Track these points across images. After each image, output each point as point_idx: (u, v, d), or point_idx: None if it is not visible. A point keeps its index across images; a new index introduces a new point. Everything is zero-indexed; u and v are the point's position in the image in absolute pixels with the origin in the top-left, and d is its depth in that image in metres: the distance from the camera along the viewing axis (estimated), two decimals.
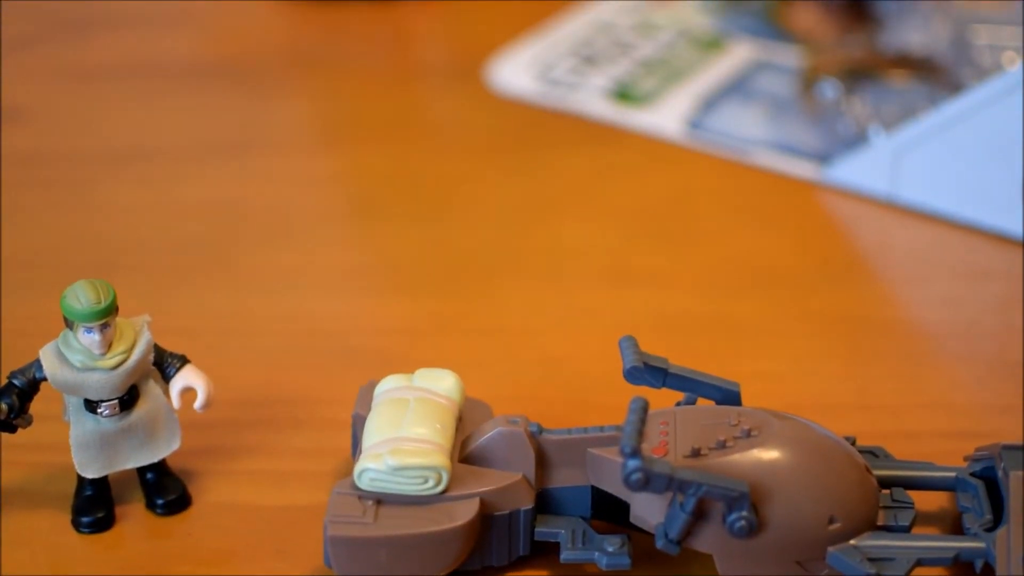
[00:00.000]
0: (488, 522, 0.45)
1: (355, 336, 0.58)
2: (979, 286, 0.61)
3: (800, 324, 0.58)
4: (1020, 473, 0.46)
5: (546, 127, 0.72)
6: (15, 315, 0.59)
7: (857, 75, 0.73)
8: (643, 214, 0.65)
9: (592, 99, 0.73)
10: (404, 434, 0.45)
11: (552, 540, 0.46)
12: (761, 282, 0.61)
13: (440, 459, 0.45)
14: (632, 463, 0.42)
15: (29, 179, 0.68)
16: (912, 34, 0.76)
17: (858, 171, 0.66)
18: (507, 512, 0.45)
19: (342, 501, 0.45)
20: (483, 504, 0.45)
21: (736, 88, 0.74)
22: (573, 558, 0.45)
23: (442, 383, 0.48)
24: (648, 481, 0.42)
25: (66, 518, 0.48)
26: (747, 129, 0.70)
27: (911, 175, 0.64)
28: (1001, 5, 0.75)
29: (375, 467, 0.44)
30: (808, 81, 0.72)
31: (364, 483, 0.45)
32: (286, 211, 0.66)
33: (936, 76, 0.72)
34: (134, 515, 0.49)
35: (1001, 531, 0.45)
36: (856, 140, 0.68)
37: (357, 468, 0.45)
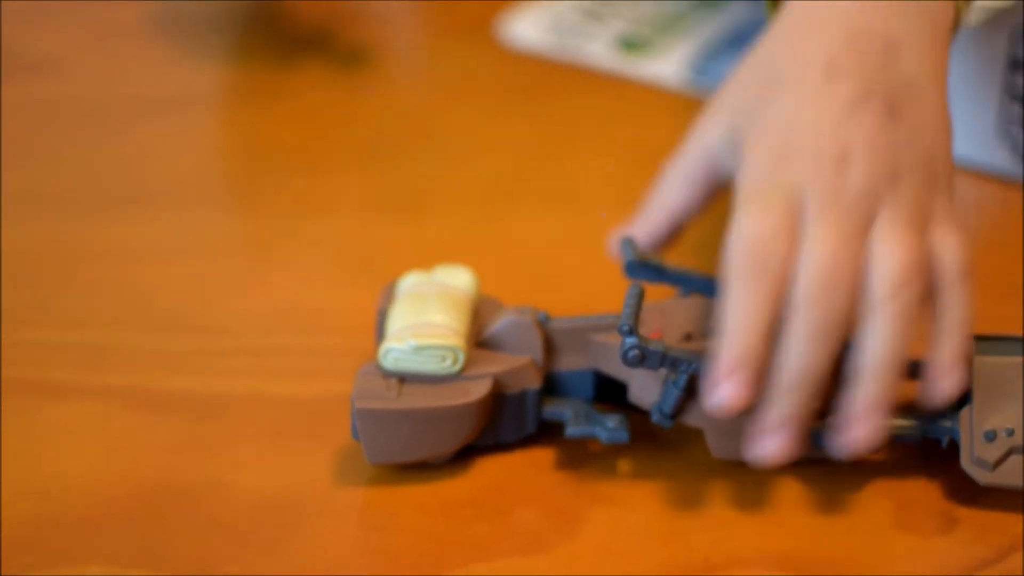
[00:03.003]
0: (500, 400, 0.50)
1: (378, 256, 0.63)
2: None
3: None
4: (983, 359, 0.51)
5: (556, 77, 0.77)
6: (62, 240, 0.64)
7: None
8: (647, 152, 0.69)
9: (600, 50, 0.78)
10: (425, 320, 0.50)
11: (558, 419, 0.51)
12: None
13: (457, 341, 0.49)
14: (629, 340, 0.46)
15: (65, 123, 0.73)
16: None
17: None
18: (517, 391, 0.50)
19: (368, 379, 0.49)
20: (496, 383, 0.49)
21: (736, 41, 0.78)
22: (577, 433, 0.50)
23: (459, 278, 0.52)
24: (644, 357, 0.46)
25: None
26: None
27: None
28: None
29: (398, 347, 0.49)
30: None
31: (388, 363, 0.49)
32: (311, 149, 0.71)
33: None
34: (167, 402, 0.54)
35: (964, 411, 0.49)
36: None
37: (382, 349, 0.49)
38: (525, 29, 0.80)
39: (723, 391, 0.46)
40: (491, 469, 0.51)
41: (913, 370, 0.49)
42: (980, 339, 0.51)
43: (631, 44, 0.78)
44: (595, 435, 0.50)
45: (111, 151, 0.71)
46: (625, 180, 0.67)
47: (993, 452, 0.48)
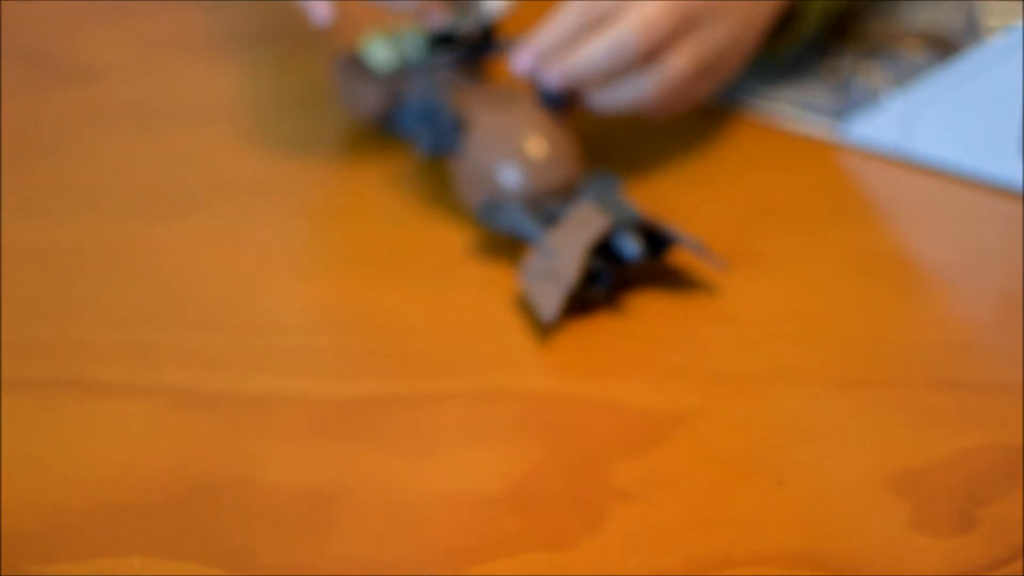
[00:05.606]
0: None
1: (418, 259, 0.64)
2: (979, 226, 0.67)
3: (810, 251, 0.65)
4: (585, 203, 0.60)
5: None
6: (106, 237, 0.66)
7: (873, 46, 0.79)
8: (676, 163, 0.71)
9: None
10: None
11: None
12: (779, 220, 0.67)
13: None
14: None
15: (112, 129, 0.75)
16: (925, 11, 0.82)
17: (870, 127, 0.72)
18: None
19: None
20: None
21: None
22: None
23: None
24: None
25: None
26: (771, 93, 0.76)
27: (919, 130, 0.70)
28: None
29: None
30: (826, 50, 0.78)
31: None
32: (352, 152, 0.73)
33: (947, 52, 0.78)
34: (208, 400, 0.56)
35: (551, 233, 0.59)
36: (870, 102, 0.74)
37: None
38: None
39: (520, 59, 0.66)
40: (519, 466, 0.52)
41: None
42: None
43: None
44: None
45: (156, 155, 0.73)
46: (653, 191, 0.69)
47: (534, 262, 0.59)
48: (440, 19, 0.69)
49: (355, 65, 0.72)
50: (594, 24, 0.66)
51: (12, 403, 0.56)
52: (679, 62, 0.67)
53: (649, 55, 0.66)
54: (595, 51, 0.66)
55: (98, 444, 0.54)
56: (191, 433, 0.54)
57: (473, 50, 0.72)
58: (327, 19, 0.69)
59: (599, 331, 0.59)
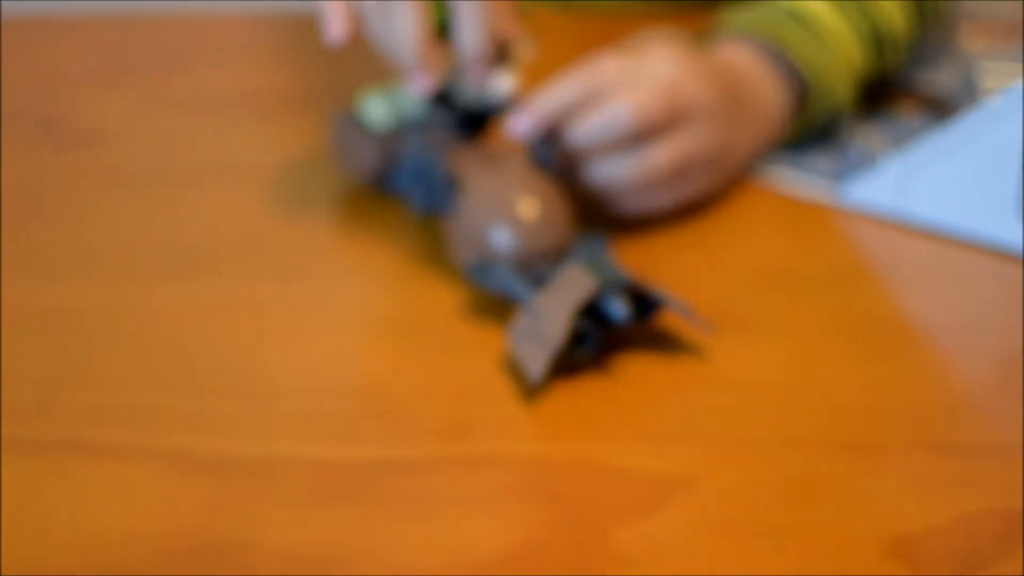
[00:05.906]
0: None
1: (420, 324, 0.65)
2: (977, 289, 0.67)
3: (806, 314, 0.65)
4: (573, 266, 0.61)
5: None
6: (115, 300, 0.66)
7: (870, 108, 0.80)
8: (670, 224, 0.72)
9: None
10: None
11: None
12: (775, 282, 0.67)
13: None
14: None
15: (115, 192, 0.76)
16: (923, 73, 0.82)
17: (868, 189, 0.72)
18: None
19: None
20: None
21: None
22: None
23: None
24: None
25: None
26: (768, 155, 0.77)
27: (917, 192, 0.71)
28: (1006, 42, 0.81)
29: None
30: None
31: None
32: (352, 215, 0.73)
33: (945, 113, 0.79)
34: (207, 464, 0.56)
35: (539, 295, 0.60)
36: (867, 164, 0.74)
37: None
38: None
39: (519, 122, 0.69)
40: (518, 531, 0.52)
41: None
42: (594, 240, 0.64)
43: None
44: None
45: (156, 217, 0.74)
46: (652, 253, 0.70)
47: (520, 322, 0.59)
48: (427, 86, 0.69)
49: (352, 123, 0.73)
50: (591, 99, 0.68)
51: (12, 465, 0.56)
52: (661, 153, 0.69)
53: (636, 139, 0.68)
54: (589, 124, 0.68)
55: (99, 507, 0.54)
56: (191, 496, 0.54)
57: (471, 114, 0.72)
58: (342, 38, 0.69)
59: (590, 394, 0.59)
